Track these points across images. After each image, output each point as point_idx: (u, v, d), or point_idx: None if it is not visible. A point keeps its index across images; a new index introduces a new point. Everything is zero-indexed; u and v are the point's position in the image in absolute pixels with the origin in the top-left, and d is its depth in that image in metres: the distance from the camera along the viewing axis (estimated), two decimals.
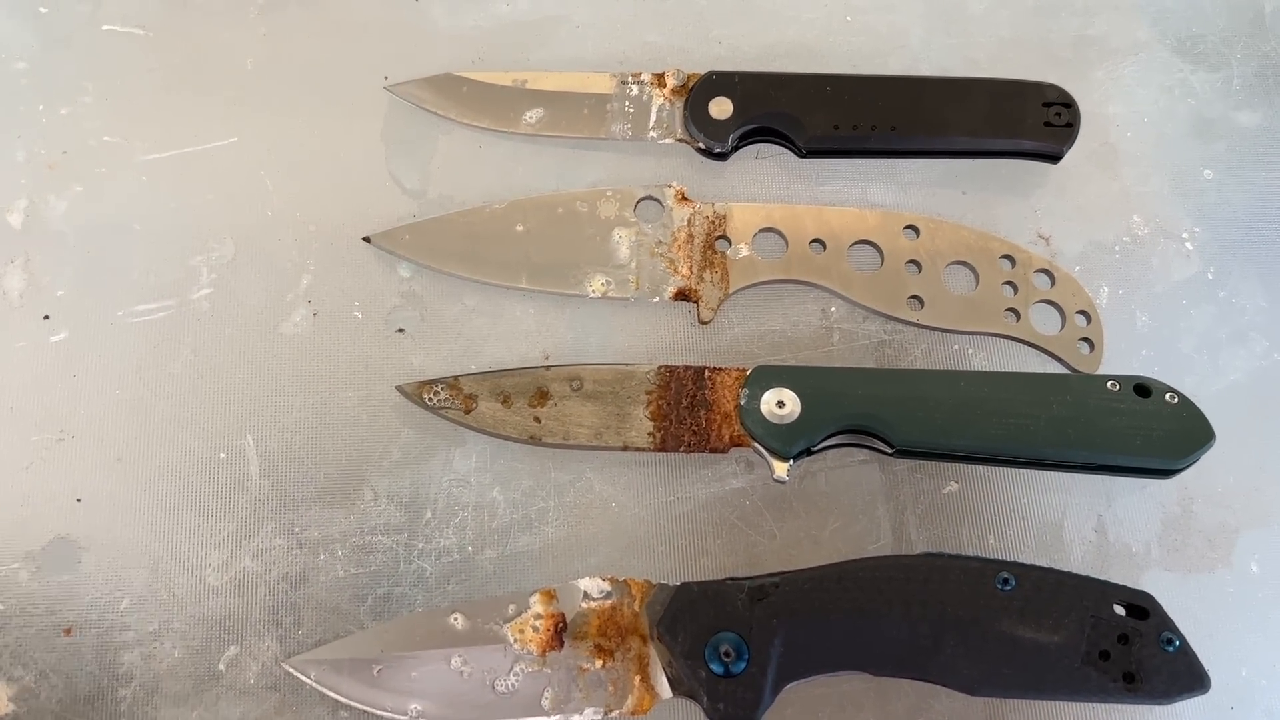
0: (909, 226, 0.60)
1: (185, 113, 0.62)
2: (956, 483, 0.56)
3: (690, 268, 0.59)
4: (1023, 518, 0.56)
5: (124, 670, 0.51)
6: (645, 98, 0.62)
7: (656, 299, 0.59)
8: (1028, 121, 0.61)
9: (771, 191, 0.62)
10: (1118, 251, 0.62)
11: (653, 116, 0.62)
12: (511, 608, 0.51)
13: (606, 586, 0.51)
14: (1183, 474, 0.57)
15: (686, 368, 0.55)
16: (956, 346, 0.59)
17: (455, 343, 0.58)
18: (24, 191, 0.60)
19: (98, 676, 0.51)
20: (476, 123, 0.62)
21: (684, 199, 0.60)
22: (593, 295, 0.58)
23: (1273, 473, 0.57)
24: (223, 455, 0.55)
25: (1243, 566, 0.56)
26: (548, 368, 0.55)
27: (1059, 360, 0.59)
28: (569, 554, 0.54)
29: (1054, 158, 0.62)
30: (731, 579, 0.51)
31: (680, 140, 0.62)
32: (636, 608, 0.51)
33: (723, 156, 0.62)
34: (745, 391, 0.53)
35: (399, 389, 0.55)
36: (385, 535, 0.54)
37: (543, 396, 0.54)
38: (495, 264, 0.59)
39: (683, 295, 0.59)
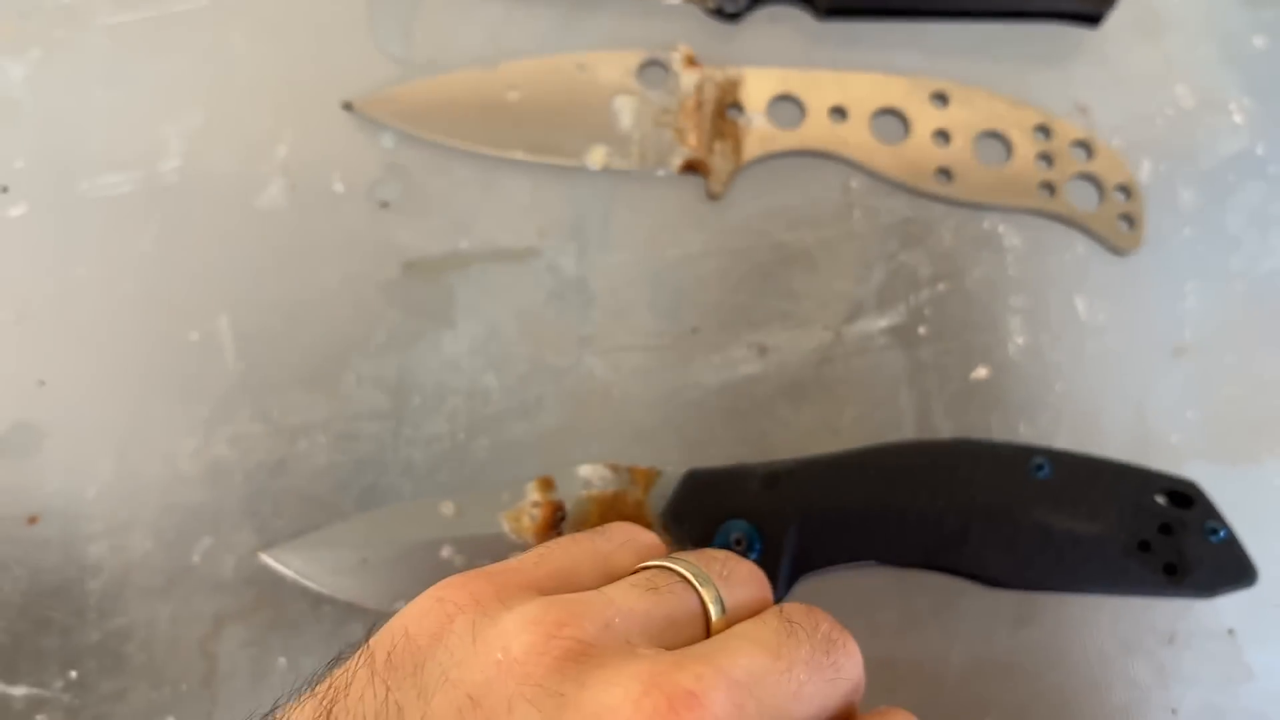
0: (937, 94, 0.56)
1: None
2: (986, 368, 0.52)
3: (699, 137, 0.54)
4: (1057, 406, 0.52)
5: (92, 562, 0.48)
6: None
7: (662, 171, 0.54)
8: None
9: (788, 56, 0.57)
10: (1160, 124, 0.57)
11: None
12: (506, 495, 0.47)
13: (608, 473, 0.48)
14: (1228, 360, 0.53)
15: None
16: (987, 224, 0.55)
17: (443, 217, 0.54)
18: None
19: (64, 568, 0.48)
20: None
21: (692, 63, 0.55)
22: (592, 167, 0.54)
23: None
24: (195, 336, 0.51)
25: None
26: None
27: (1096, 238, 0.55)
28: (568, 443, 0.51)
29: (1094, 19, 0.57)
30: (743, 464, 0.47)
31: (688, 0, 0.57)
32: (640, 495, 0.47)
33: (734, 17, 0.57)
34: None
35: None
36: (370, 421, 0.50)
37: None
38: (486, 133, 0.54)
39: (691, 167, 0.54)
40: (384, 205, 0.54)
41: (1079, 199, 0.55)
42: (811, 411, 0.52)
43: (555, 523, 0.47)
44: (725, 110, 0.55)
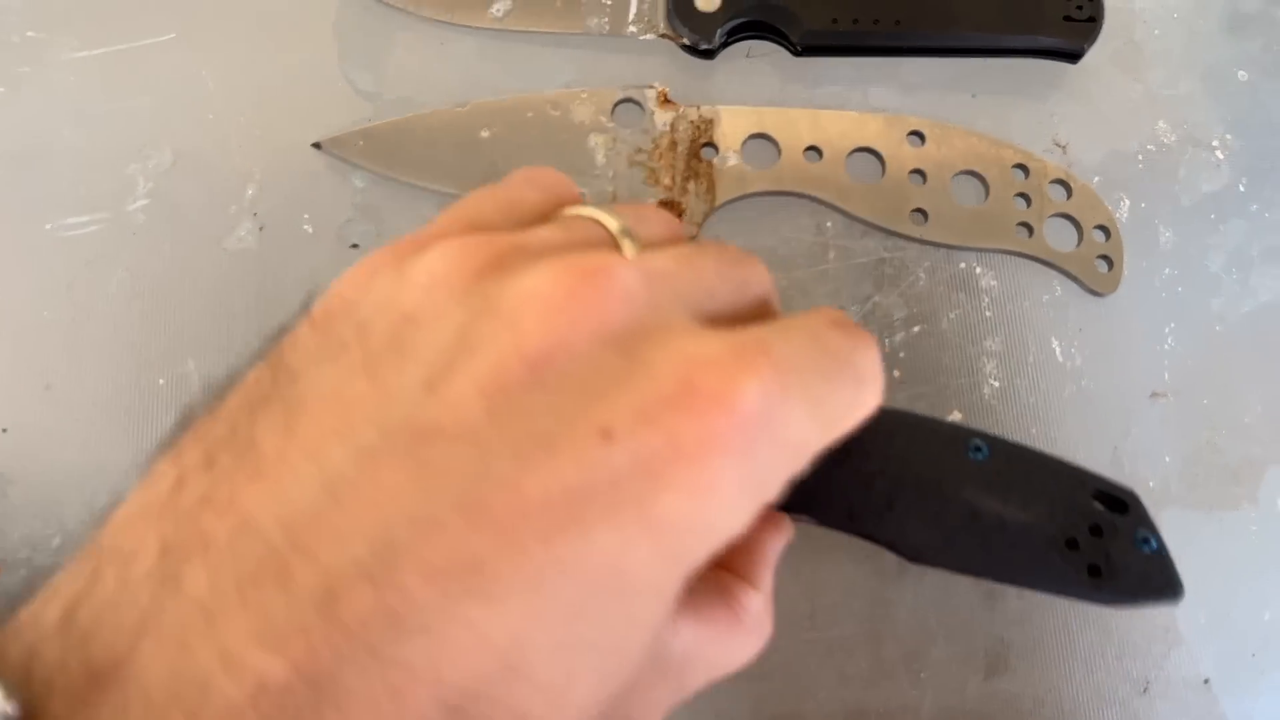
0: (913, 132, 0.55)
1: (117, 5, 0.56)
2: (960, 412, 0.52)
3: (673, 178, 0.54)
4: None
5: None
6: None
7: None
8: (1046, 15, 0.55)
9: (763, 94, 0.57)
10: (1141, 161, 0.57)
11: (632, 9, 0.56)
12: None
13: None
14: (1207, 403, 0.53)
15: None
16: (964, 265, 0.54)
17: None
18: None
19: None
20: (438, 16, 0.56)
21: (667, 101, 0.55)
22: None
23: None
24: (162, 381, 0.50)
25: (1269, 503, 0.52)
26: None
27: (1074, 279, 0.54)
28: None
29: (1074, 56, 0.57)
30: None
31: (663, 36, 0.56)
32: None
33: (710, 54, 0.56)
34: None
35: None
36: None
37: None
38: (458, 173, 0.53)
39: (666, 208, 0.53)
40: (354, 246, 0.53)
41: (1057, 239, 0.54)
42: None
43: None
44: (700, 150, 0.54)
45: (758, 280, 0.30)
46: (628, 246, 0.28)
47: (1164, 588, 0.46)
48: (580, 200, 0.32)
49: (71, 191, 0.53)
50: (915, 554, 0.47)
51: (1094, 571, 0.46)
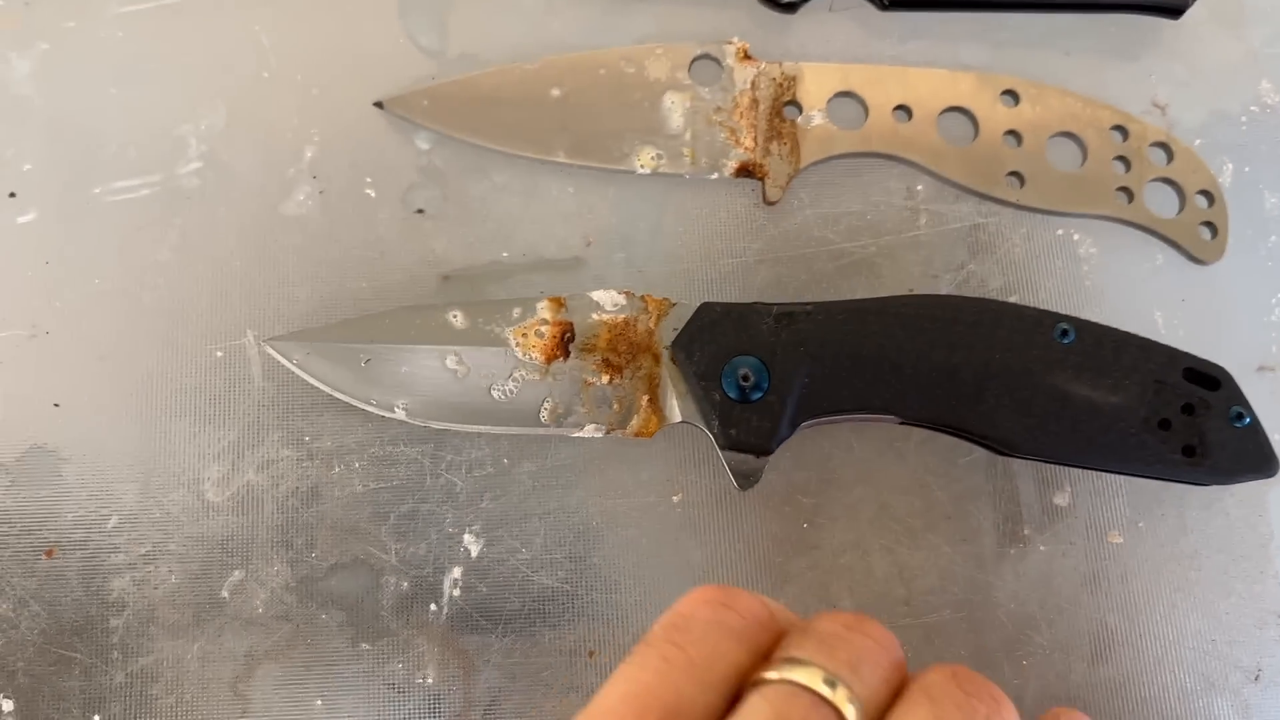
0: (1007, 92, 0.52)
1: None
2: None
3: (754, 138, 0.51)
4: None
5: (115, 597, 0.45)
6: None
7: (715, 175, 0.51)
8: None
9: (848, 50, 0.54)
10: (1244, 122, 0.54)
11: None
12: (516, 311, 0.46)
13: (621, 299, 0.47)
14: None
15: None
16: (1061, 231, 0.52)
17: (483, 226, 0.50)
18: None
19: (85, 604, 0.45)
20: None
21: (747, 58, 0.52)
22: (641, 171, 0.50)
23: None
24: (220, 354, 0.48)
25: None
26: None
27: (1176, 246, 0.51)
28: (617, 467, 0.48)
29: (1175, 11, 0.54)
30: (758, 302, 0.46)
31: None
32: (652, 325, 0.47)
33: (791, 8, 0.53)
34: None
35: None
36: (408, 445, 0.47)
37: None
38: (527, 134, 0.51)
39: (746, 171, 0.51)
40: (419, 212, 0.50)
41: (1158, 205, 0.52)
42: (876, 438, 0.48)
43: (563, 343, 0.46)
44: (782, 109, 0.51)
45: None
46: (852, 715, 0.26)
47: (1260, 463, 0.45)
48: (779, 626, 0.29)
49: (121, 154, 0.50)
50: (1007, 444, 0.45)
51: (1188, 451, 0.45)
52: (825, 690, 0.26)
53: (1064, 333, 0.45)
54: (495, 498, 0.47)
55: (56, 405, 0.47)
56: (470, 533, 0.46)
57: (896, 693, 0.28)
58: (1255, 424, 0.45)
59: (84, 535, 0.46)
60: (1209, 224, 0.52)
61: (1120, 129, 0.52)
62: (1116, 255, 0.51)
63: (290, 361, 0.46)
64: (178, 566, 0.45)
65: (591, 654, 0.45)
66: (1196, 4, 0.53)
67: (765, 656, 0.28)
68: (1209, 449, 0.45)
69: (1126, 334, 0.46)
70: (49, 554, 0.45)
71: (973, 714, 0.26)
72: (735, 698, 0.27)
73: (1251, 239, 0.52)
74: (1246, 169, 0.53)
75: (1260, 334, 0.51)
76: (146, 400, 0.47)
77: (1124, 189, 0.51)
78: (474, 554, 0.46)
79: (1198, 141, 0.53)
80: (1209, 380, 0.46)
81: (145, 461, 0.46)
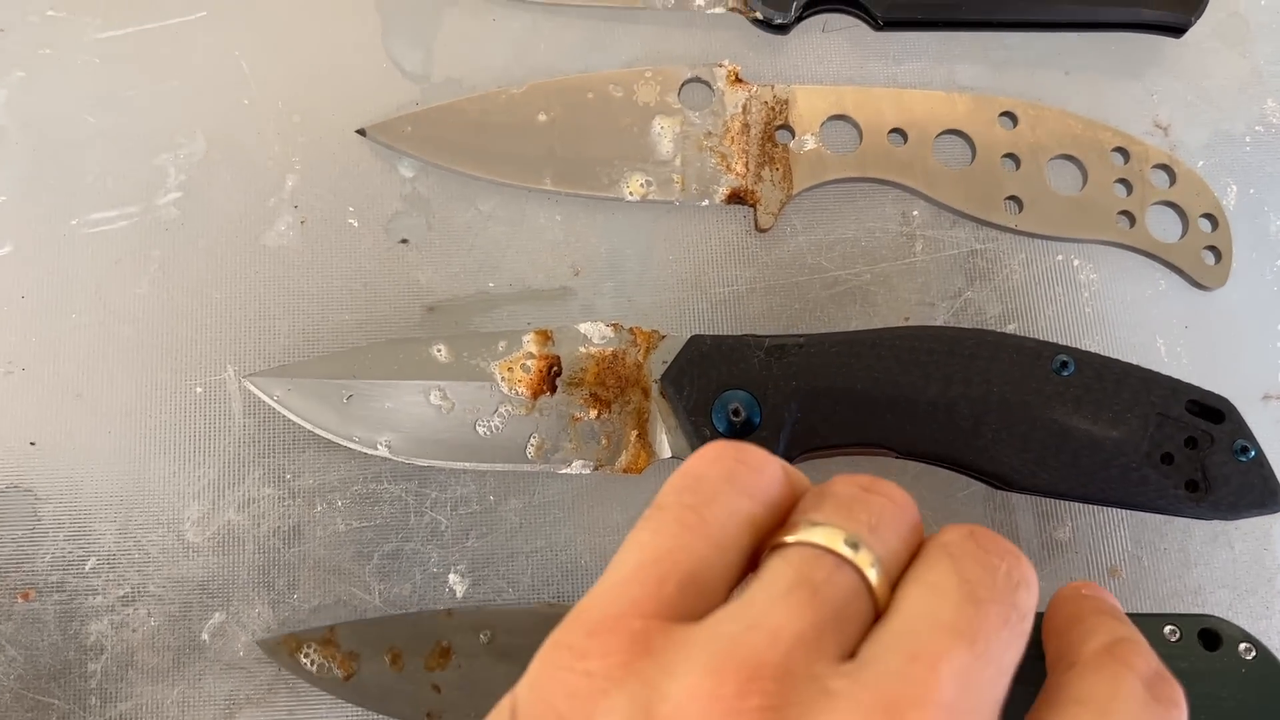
0: (1005, 113, 0.51)
1: None
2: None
3: (746, 164, 0.50)
4: None
5: (93, 641, 0.44)
6: None
7: (706, 202, 0.50)
8: None
9: (842, 71, 0.53)
10: (1249, 143, 0.53)
11: None
12: (502, 344, 0.46)
13: (609, 331, 0.46)
14: None
15: None
16: (1061, 257, 0.50)
17: (469, 255, 0.49)
18: None
19: (62, 648, 0.44)
20: None
21: (738, 80, 0.51)
22: (630, 198, 0.49)
23: None
24: (199, 389, 0.47)
25: None
26: (449, 613, 0.44)
27: (1179, 272, 0.50)
28: (606, 503, 0.46)
29: (1177, 30, 0.52)
30: (750, 334, 0.45)
31: (733, 10, 0.52)
32: (641, 358, 0.46)
33: (784, 29, 0.52)
34: None
35: (261, 645, 0.44)
36: (392, 483, 0.46)
37: (444, 655, 0.43)
38: (514, 161, 0.49)
39: (737, 197, 0.49)
40: (403, 241, 0.49)
41: (1160, 229, 0.50)
42: (871, 472, 0.47)
43: (550, 377, 0.45)
44: (774, 133, 0.50)
45: (1031, 598, 0.27)
46: (876, 580, 0.25)
47: (1266, 498, 0.44)
48: (795, 487, 0.28)
49: (98, 185, 0.49)
50: (1004, 480, 0.44)
51: (1191, 486, 0.43)
52: (847, 551, 0.25)
53: (1063, 365, 0.44)
54: (481, 536, 0.46)
55: (33, 444, 0.46)
56: (455, 572, 0.45)
57: (915, 554, 0.27)
58: (1260, 457, 0.44)
59: (61, 577, 0.45)
60: (1213, 248, 0.50)
61: (1122, 151, 0.51)
62: (1118, 281, 0.50)
63: (271, 398, 0.45)
64: (157, 609, 0.44)
65: None
66: (1200, 22, 0.52)
67: (782, 517, 0.28)
68: (1213, 484, 0.44)
69: (1128, 365, 0.45)
70: (25, 596, 0.44)
71: (993, 570, 0.26)
72: (754, 559, 0.27)
73: (1257, 263, 0.51)
74: (1251, 191, 0.52)
75: (1266, 361, 0.50)
76: (125, 438, 0.46)
77: (1125, 213, 0.50)
78: (459, 594, 0.45)
79: (1201, 163, 0.52)
80: (1213, 412, 0.44)
81: (124, 501, 0.45)
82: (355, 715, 0.44)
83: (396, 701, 0.42)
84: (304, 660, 0.43)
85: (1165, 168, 0.51)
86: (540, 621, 0.43)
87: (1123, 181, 0.51)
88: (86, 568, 0.45)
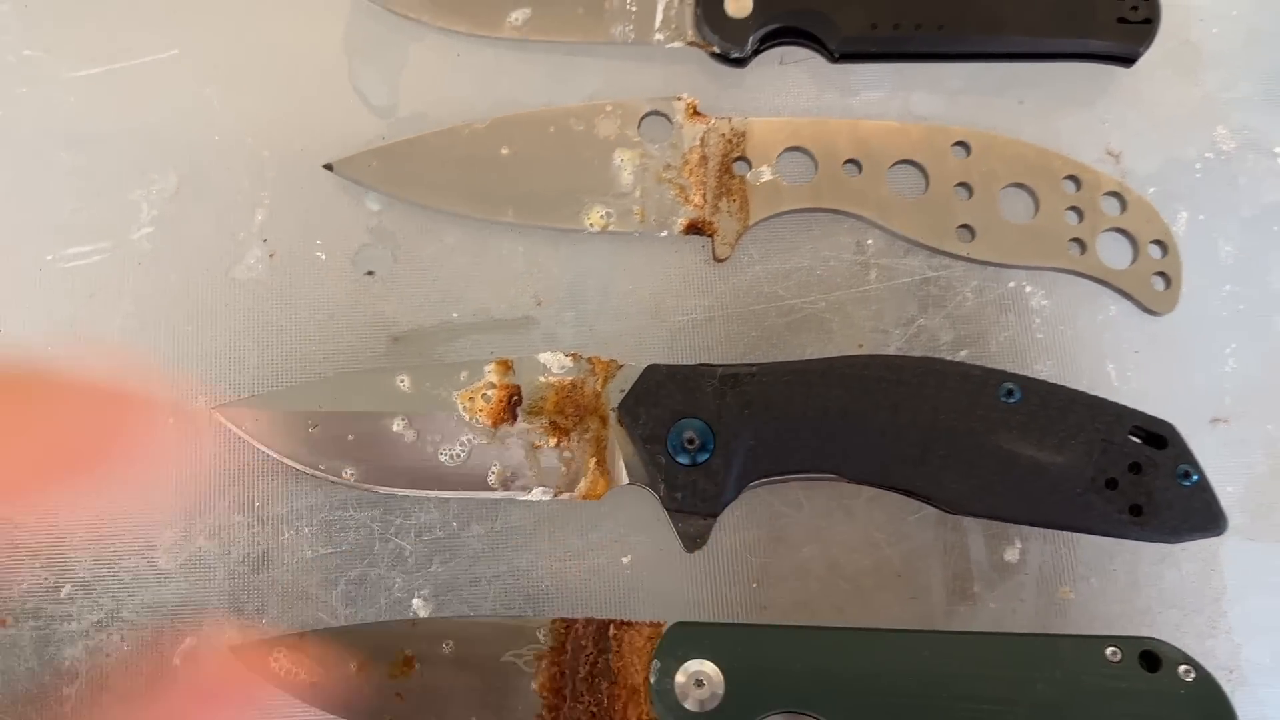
0: (958, 143, 0.52)
1: (117, 20, 0.53)
2: None
3: (704, 195, 0.51)
4: None
5: (68, 666, 0.45)
6: None
7: (665, 233, 0.51)
8: (1098, 17, 0.52)
9: (798, 103, 0.54)
10: (1199, 170, 0.54)
11: (659, 16, 0.53)
12: (464, 374, 0.47)
13: (568, 361, 0.48)
14: (1271, 429, 0.50)
15: (588, 622, 0.44)
16: (1013, 284, 0.51)
17: (433, 286, 0.50)
18: None
19: (39, 673, 0.45)
20: (453, 26, 0.53)
21: (696, 114, 0.52)
22: (591, 230, 0.51)
23: None
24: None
25: None
26: (414, 623, 0.45)
27: (1129, 298, 0.51)
28: (567, 528, 0.48)
29: (1127, 60, 0.53)
30: (705, 364, 0.47)
31: (691, 44, 0.53)
32: (599, 387, 0.47)
33: (741, 62, 0.53)
34: (656, 664, 0.42)
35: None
36: (358, 510, 0.47)
37: (407, 663, 0.43)
38: (477, 194, 0.51)
39: (695, 228, 0.51)
40: (369, 273, 0.50)
41: (1111, 255, 0.51)
42: (825, 496, 0.49)
43: (510, 406, 0.47)
44: (731, 165, 0.51)
45: None
46: None
47: (1208, 522, 0.45)
48: None
49: (72, 220, 0.51)
50: (952, 505, 0.46)
51: (1135, 510, 0.45)
52: None
53: (1009, 392, 0.46)
54: (444, 562, 0.47)
55: None
56: (419, 597, 0.47)
57: None
58: (1203, 482, 0.45)
59: (37, 604, 0.46)
60: (1162, 274, 0.51)
61: (1073, 179, 0.52)
62: (1069, 307, 0.51)
63: (240, 429, 0.46)
64: (130, 634, 0.46)
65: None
66: (1152, 50, 0.53)
67: None
68: (1157, 508, 0.45)
69: (1073, 392, 0.46)
70: (2, 623, 0.46)
71: None
72: None
73: (1205, 289, 0.52)
74: (1201, 217, 0.53)
75: (1214, 385, 0.51)
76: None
77: (1077, 240, 0.51)
78: (423, 618, 0.46)
79: (1152, 190, 0.53)
80: (1156, 438, 0.46)
81: (97, 529, 0.47)
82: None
83: (360, 708, 0.44)
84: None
85: (1116, 195, 0.52)
86: (501, 633, 0.44)
87: (1074, 209, 0.52)
88: (62, 594, 0.46)
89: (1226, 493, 0.48)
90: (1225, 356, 0.51)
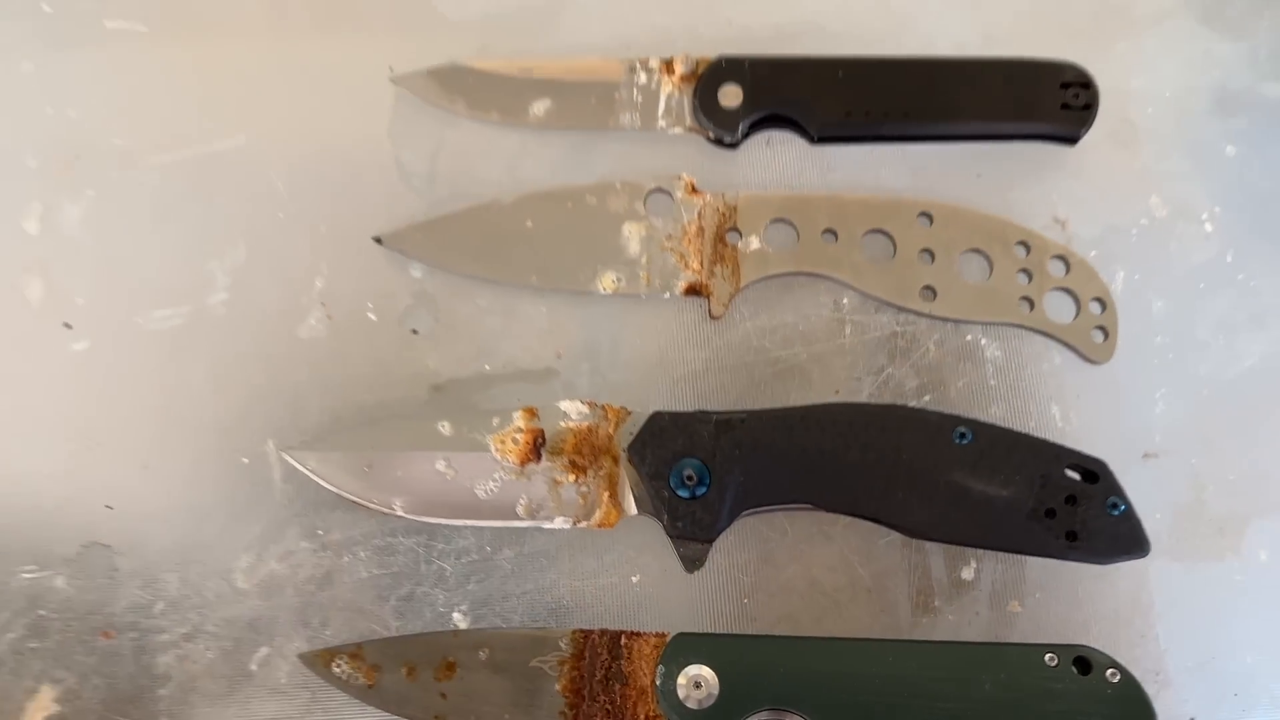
0: (922, 214, 0.60)
1: (192, 112, 0.62)
2: None
3: (701, 262, 0.59)
4: None
5: (161, 671, 0.53)
6: (654, 86, 0.61)
7: (667, 294, 0.59)
8: (1044, 103, 0.60)
9: (783, 178, 0.62)
10: (1135, 234, 0.61)
11: (661, 105, 0.61)
12: (496, 420, 0.55)
13: (585, 409, 0.55)
14: (1195, 462, 0.57)
15: (603, 633, 0.52)
16: (970, 337, 0.59)
17: (469, 343, 0.58)
18: (38, 197, 0.60)
19: (137, 677, 0.53)
20: (484, 116, 0.61)
21: (694, 191, 0.60)
22: (604, 292, 0.59)
23: None
24: (245, 460, 0.56)
25: (1251, 554, 0.56)
26: (455, 633, 0.54)
27: (1072, 349, 0.59)
28: (584, 551, 0.56)
29: (1071, 140, 0.61)
30: (702, 411, 0.54)
31: (690, 130, 0.61)
32: (611, 430, 0.55)
33: (733, 145, 0.61)
34: (661, 669, 0.50)
35: (302, 658, 0.53)
36: (406, 537, 0.55)
37: (449, 668, 0.51)
38: (506, 262, 0.59)
39: (694, 290, 0.59)
40: (414, 332, 0.58)
41: (1056, 311, 0.59)
42: (806, 523, 0.56)
43: (535, 448, 0.54)
44: (725, 235, 0.59)
45: None
46: None
47: (1133, 546, 0.53)
48: None
49: (159, 286, 0.59)
50: (914, 531, 0.54)
51: (1071, 536, 0.53)
52: None
53: (962, 435, 0.53)
54: (480, 580, 0.55)
55: (109, 507, 0.55)
56: (459, 611, 0.54)
57: None
58: (1129, 511, 0.53)
59: (135, 619, 0.54)
60: (1101, 328, 0.59)
61: (1024, 244, 0.60)
62: (1019, 357, 0.59)
63: (305, 467, 0.54)
64: (213, 644, 0.54)
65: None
66: (1094, 128, 0.61)
67: None
68: (1089, 534, 0.52)
69: (1018, 434, 0.54)
70: (106, 635, 0.54)
71: None
72: None
73: (1139, 339, 0.59)
74: (1136, 277, 0.60)
75: (1146, 424, 0.58)
76: (184, 502, 0.56)
77: (1026, 298, 0.59)
78: (463, 630, 0.54)
79: (1093, 253, 0.60)
80: (1089, 474, 0.53)
81: (185, 555, 0.55)
82: (376, 718, 0.53)
83: (410, 706, 0.51)
84: (336, 670, 0.52)
85: (1061, 258, 0.60)
86: (529, 642, 0.52)
87: (1024, 271, 0.59)
88: (155, 610, 0.54)
89: (1155, 519, 0.56)
90: (1156, 400, 0.58)
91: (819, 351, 0.59)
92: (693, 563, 0.54)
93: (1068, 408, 0.58)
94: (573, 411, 0.55)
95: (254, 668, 0.54)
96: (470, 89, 0.61)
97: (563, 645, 0.52)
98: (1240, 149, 0.63)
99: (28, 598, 0.54)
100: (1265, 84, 0.64)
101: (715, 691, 0.50)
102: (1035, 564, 0.56)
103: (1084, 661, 0.50)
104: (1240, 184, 0.62)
